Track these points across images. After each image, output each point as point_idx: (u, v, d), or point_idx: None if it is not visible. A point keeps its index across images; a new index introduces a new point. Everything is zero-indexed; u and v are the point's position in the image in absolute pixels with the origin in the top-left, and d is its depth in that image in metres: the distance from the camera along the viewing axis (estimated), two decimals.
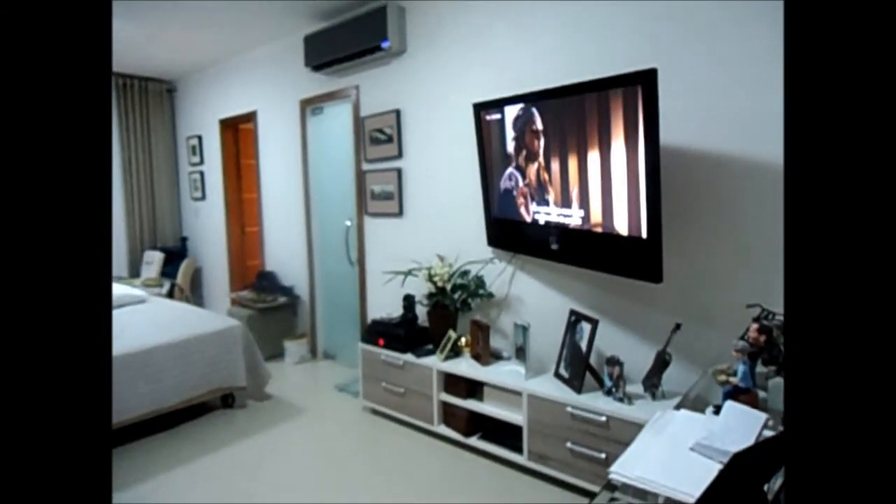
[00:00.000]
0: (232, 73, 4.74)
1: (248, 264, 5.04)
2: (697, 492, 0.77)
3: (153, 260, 5.12)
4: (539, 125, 2.35)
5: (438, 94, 3.12)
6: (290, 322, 4.29)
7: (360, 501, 2.22)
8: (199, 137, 5.24)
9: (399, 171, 3.38)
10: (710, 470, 0.93)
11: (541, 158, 2.39)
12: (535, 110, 2.36)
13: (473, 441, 2.60)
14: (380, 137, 3.47)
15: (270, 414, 3.13)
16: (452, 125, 3.05)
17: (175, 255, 5.27)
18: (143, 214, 5.35)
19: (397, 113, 3.34)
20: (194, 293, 5.30)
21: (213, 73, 4.98)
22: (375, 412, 3.12)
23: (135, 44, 4.22)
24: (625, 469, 0.99)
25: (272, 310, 4.16)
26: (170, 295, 4.82)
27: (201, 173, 5.26)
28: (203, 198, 5.29)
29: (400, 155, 3.37)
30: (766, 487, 0.73)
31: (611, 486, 1.01)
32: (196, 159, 5.32)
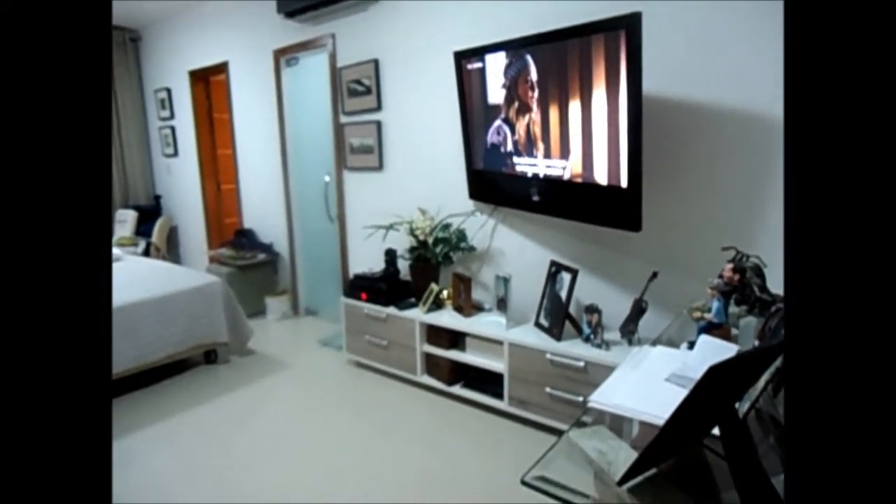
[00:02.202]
0: (201, 21, 4.50)
1: (226, 222, 4.95)
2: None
3: (126, 218, 4.99)
4: (532, 74, 2.31)
5: (418, 43, 3.02)
6: (271, 279, 4.27)
7: (348, 449, 2.28)
8: (168, 90, 5.02)
9: (378, 124, 3.31)
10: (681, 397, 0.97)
11: (530, 109, 2.36)
12: (528, 58, 2.32)
13: (456, 389, 2.67)
14: (358, 89, 3.37)
15: (254, 369, 3.16)
16: (433, 75, 2.98)
17: (149, 213, 5.14)
18: (112, 172, 5.16)
19: (375, 63, 3.24)
20: (171, 252, 5.21)
21: (180, 21, 4.73)
22: (359, 365, 3.17)
23: None
24: (603, 398, 1.03)
25: (252, 267, 4.12)
26: (146, 254, 4.73)
27: (172, 128, 5.07)
28: (175, 154, 5.12)
29: (379, 107, 3.29)
30: (736, 405, 0.77)
31: (587, 414, 1.05)
32: (166, 114, 5.11)
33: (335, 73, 3.48)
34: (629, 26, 1.84)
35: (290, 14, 3.51)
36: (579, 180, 2.19)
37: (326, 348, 3.47)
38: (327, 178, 3.76)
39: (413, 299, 2.92)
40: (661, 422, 0.94)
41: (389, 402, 2.71)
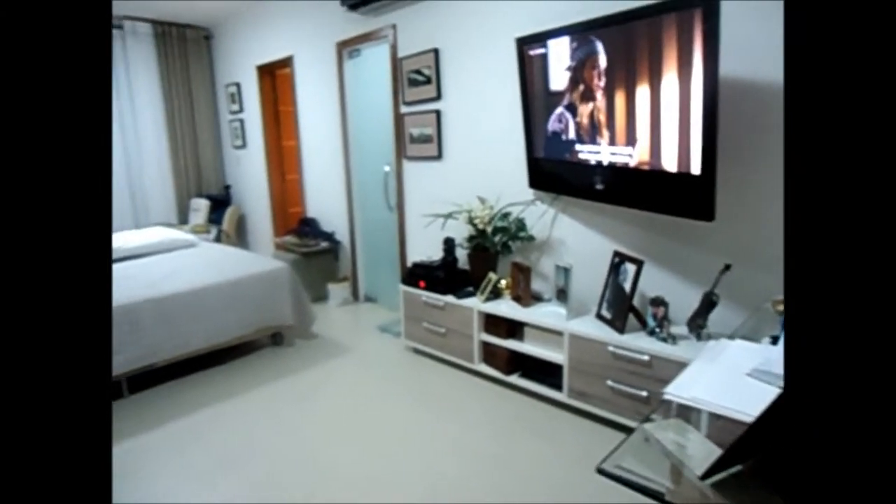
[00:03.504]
0: (267, 17, 4.67)
1: (290, 211, 5.15)
2: (756, 412, 0.77)
3: (200, 207, 5.30)
4: (598, 58, 2.25)
5: (478, 31, 3.00)
6: (332, 266, 4.41)
7: (407, 433, 2.34)
8: (238, 85, 5.26)
9: (438, 113, 3.32)
10: (767, 394, 0.92)
11: (594, 95, 2.29)
12: (594, 42, 2.25)
13: (514, 379, 2.67)
14: (418, 79, 3.40)
15: (317, 352, 3.28)
16: (493, 63, 2.95)
17: (220, 202, 5.43)
18: (187, 163, 5.49)
19: (436, 52, 3.25)
20: (240, 239, 5.49)
21: (248, 18, 4.93)
22: (417, 351, 3.22)
23: None
24: (679, 391, 0.99)
25: (315, 254, 4.27)
26: (217, 240, 5.00)
27: (241, 121, 5.32)
28: (244, 146, 5.37)
29: (439, 96, 3.30)
30: None
31: (661, 408, 1.02)
32: (235, 107, 5.36)
33: (396, 63, 3.52)
34: (706, 4, 1.75)
35: (353, 6, 3.57)
36: (647, 168, 2.11)
37: (385, 334, 3.55)
38: (387, 168, 3.83)
39: (471, 288, 2.93)
40: (743, 417, 0.90)
41: (447, 388, 2.75)
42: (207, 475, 2.06)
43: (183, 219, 5.44)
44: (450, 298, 2.90)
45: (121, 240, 3.78)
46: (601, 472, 0.77)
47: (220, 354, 3.17)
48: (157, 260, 3.54)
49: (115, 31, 4.97)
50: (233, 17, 5.14)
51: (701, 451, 0.78)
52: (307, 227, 4.50)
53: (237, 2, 4.64)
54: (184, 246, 3.92)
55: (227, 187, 5.73)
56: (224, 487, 1.99)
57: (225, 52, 5.41)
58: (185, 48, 5.37)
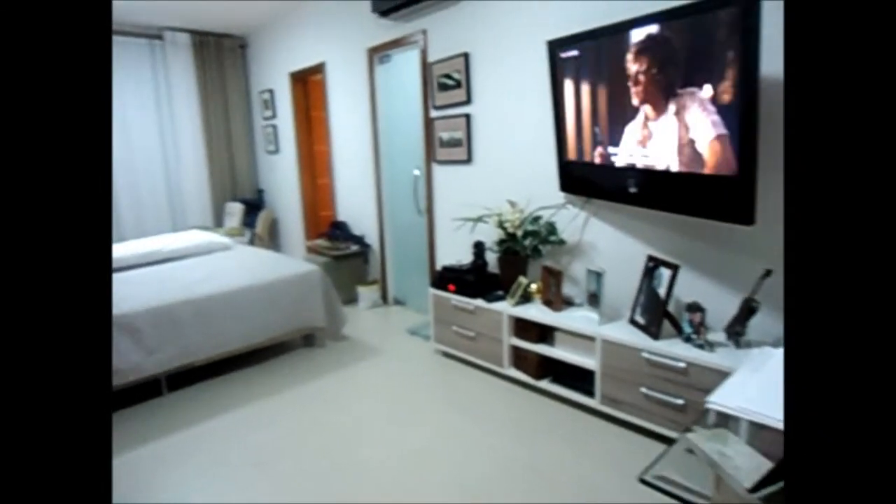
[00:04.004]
0: (300, 26, 4.78)
1: (321, 215, 5.24)
2: None
3: (234, 211, 5.44)
4: (631, 60, 2.22)
5: (509, 34, 3.00)
6: (362, 269, 4.46)
7: (437, 435, 2.34)
8: (271, 91, 5.38)
9: (468, 117, 3.33)
10: None
11: (628, 97, 2.26)
12: (627, 43, 2.22)
13: (544, 384, 2.64)
14: (448, 83, 3.41)
15: (348, 353, 3.32)
16: (523, 66, 2.94)
17: (253, 206, 5.56)
18: (222, 168, 5.65)
19: (466, 56, 3.26)
20: (272, 242, 5.61)
21: (282, 27, 5.05)
22: (446, 354, 3.23)
23: (207, 1, 4.34)
24: (724, 400, 0.97)
25: (345, 257, 4.33)
26: (251, 243, 5.13)
27: (274, 127, 5.44)
28: (277, 151, 5.49)
29: (469, 100, 3.31)
30: None
31: (706, 417, 0.99)
32: (269, 113, 5.49)
33: (426, 68, 3.54)
34: (745, 2, 1.70)
35: (385, 13, 3.62)
36: (682, 170, 2.07)
37: (414, 337, 3.57)
38: (417, 172, 3.85)
39: (501, 292, 2.92)
40: None
41: (476, 392, 2.74)
42: (242, 473, 2.11)
43: (218, 222, 5.59)
44: (479, 302, 2.90)
45: (160, 242, 3.91)
46: (643, 482, 0.75)
47: (255, 355, 3.24)
48: (195, 262, 3.65)
49: (155, 42, 5.16)
50: (267, 26, 5.27)
51: (749, 463, 0.75)
52: (337, 231, 4.56)
53: (272, 11, 4.76)
54: (220, 249, 4.04)
55: (260, 191, 5.87)
56: (257, 486, 2.03)
57: (259, 60, 5.55)
58: (222, 57, 5.53)
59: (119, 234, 5.09)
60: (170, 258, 3.77)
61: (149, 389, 2.83)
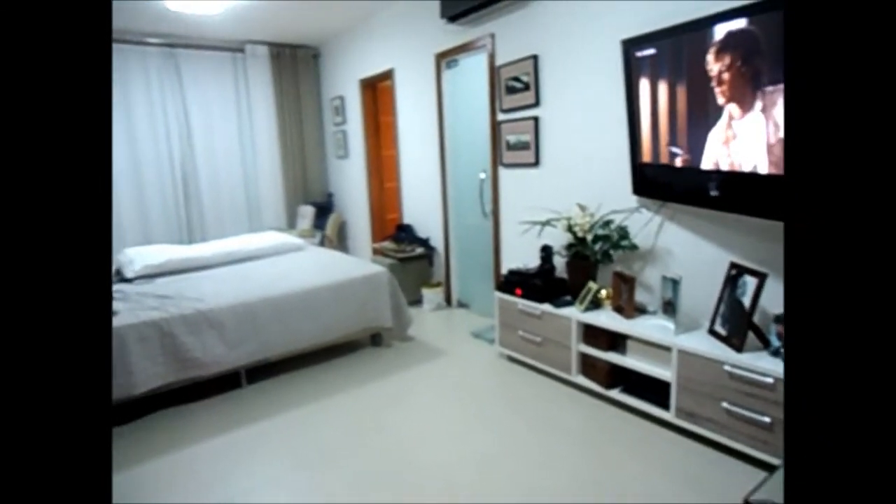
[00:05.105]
0: (370, 34, 4.93)
1: (387, 217, 5.36)
2: None
3: (306, 213, 5.68)
4: (711, 57, 2.11)
5: (579, 34, 2.94)
6: (427, 271, 4.52)
7: (500, 441, 2.33)
8: (342, 98, 5.58)
9: (536, 120, 3.30)
10: None
11: (708, 96, 2.15)
12: (707, 41, 2.12)
13: (614, 393, 2.56)
14: (516, 86, 3.39)
15: (413, 354, 3.38)
16: (595, 66, 2.87)
17: (323, 209, 5.79)
18: (295, 172, 5.92)
19: (535, 59, 3.23)
20: (341, 244, 5.81)
21: (352, 36, 5.23)
22: (511, 359, 3.20)
23: (285, 15, 4.57)
24: None
25: (410, 259, 4.41)
26: (321, 245, 5.33)
27: (344, 132, 5.64)
28: (346, 156, 5.69)
29: (537, 103, 3.28)
30: None
31: None
32: (339, 119, 5.70)
33: (493, 71, 3.54)
34: None
35: (453, 18, 3.65)
36: (772, 171, 1.94)
37: (478, 340, 3.57)
38: (483, 175, 3.86)
39: (569, 297, 2.86)
40: None
41: (542, 399, 2.70)
42: (311, 466, 2.20)
43: (291, 224, 5.86)
44: (547, 307, 2.86)
45: (240, 243, 4.16)
46: None
47: (325, 352, 3.37)
48: (271, 262, 3.85)
49: (237, 55, 5.50)
50: (339, 36, 5.47)
51: None
52: (403, 233, 4.65)
53: (344, 21, 4.94)
54: (293, 249, 4.23)
55: (330, 195, 6.09)
56: (324, 479, 2.10)
57: (330, 68, 5.78)
58: (296, 66, 5.81)
59: (202, 235, 5.46)
60: (249, 258, 4.00)
61: (230, 381, 3.01)
